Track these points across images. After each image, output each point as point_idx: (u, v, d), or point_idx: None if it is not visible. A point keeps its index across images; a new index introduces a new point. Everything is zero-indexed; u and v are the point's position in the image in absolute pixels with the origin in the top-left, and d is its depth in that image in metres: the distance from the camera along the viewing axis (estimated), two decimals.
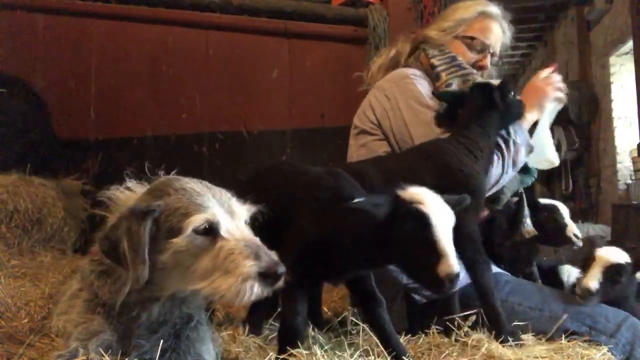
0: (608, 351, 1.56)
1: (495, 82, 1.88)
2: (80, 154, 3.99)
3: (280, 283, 1.15)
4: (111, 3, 4.10)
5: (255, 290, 1.11)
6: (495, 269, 1.97)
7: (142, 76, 4.02)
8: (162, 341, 1.23)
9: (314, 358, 1.36)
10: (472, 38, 2.19)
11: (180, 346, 1.26)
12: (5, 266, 2.72)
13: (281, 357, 1.39)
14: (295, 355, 1.36)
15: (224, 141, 3.88)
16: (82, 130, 4.01)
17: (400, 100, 2.02)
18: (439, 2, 3.68)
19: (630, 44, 5.93)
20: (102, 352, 1.18)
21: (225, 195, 1.26)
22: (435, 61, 2.12)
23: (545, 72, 2.11)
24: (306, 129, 3.80)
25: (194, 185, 1.22)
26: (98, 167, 3.94)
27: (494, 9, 2.22)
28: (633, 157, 6.05)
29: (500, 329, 1.55)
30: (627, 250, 1.96)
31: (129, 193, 1.29)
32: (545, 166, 2.20)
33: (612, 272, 1.78)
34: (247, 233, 1.21)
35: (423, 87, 2.04)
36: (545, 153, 2.12)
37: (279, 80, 3.86)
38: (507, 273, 1.98)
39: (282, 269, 1.14)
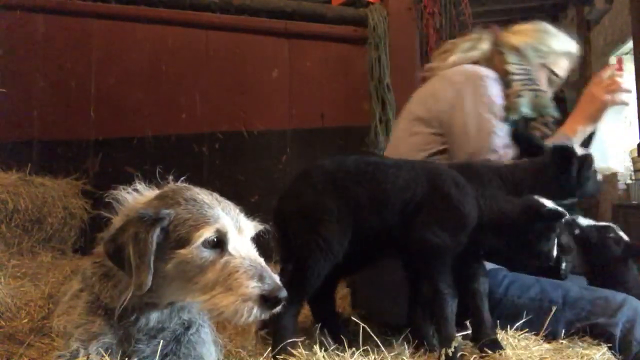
0: (608, 350, 1.57)
1: (579, 151, 1.76)
2: (80, 154, 3.99)
3: (279, 308, 1.14)
4: (111, 3, 4.10)
5: (254, 313, 1.11)
6: (492, 265, 1.96)
7: (142, 76, 4.01)
8: (163, 346, 1.23)
9: (314, 358, 1.36)
10: (557, 75, 2.14)
11: (180, 349, 1.26)
12: (5, 266, 2.72)
13: (281, 357, 1.39)
14: (295, 355, 1.36)
15: (224, 141, 3.87)
16: (82, 130, 4.01)
17: (470, 101, 1.92)
18: (439, 2, 3.68)
19: (630, 44, 5.93)
20: (103, 353, 1.18)
21: (234, 210, 1.25)
22: (512, 68, 2.04)
23: (606, 74, 1.99)
24: (306, 129, 3.80)
25: (204, 196, 1.22)
26: (98, 167, 3.94)
27: (578, 52, 2.19)
28: (633, 157, 6.04)
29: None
30: None
31: (137, 196, 1.28)
32: (605, 172, 2.01)
33: None
34: (253, 251, 1.21)
35: (496, 93, 1.95)
36: (605, 160, 1.95)
37: (279, 80, 3.86)
38: (503, 268, 1.97)
39: (283, 293, 1.13)
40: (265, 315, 1.13)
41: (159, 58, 4.00)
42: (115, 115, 4.02)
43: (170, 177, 1.33)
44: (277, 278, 1.15)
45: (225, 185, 3.50)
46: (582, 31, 7.70)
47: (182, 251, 1.14)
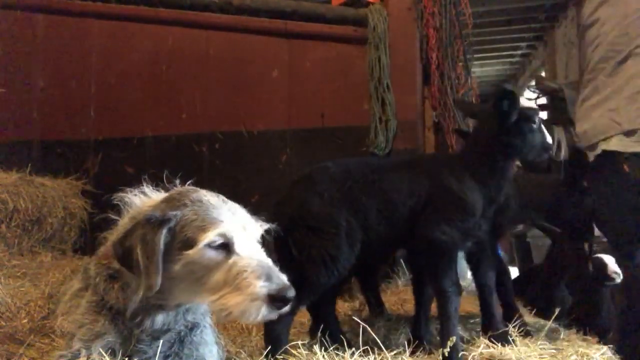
0: (608, 350, 1.57)
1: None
2: (80, 154, 3.99)
3: (287, 308, 1.15)
4: (111, 3, 4.10)
5: (263, 312, 1.11)
6: None
7: (142, 76, 4.02)
8: (166, 347, 1.23)
9: (314, 358, 1.36)
10: None
11: (183, 350, 1.26)
12: (5, 266, 2.72)
13: (281, 357, 1.39)
14: (295, 355, 1.36)
15: (224, 141, 3.87)
16: (82, 130, 4.01)
17: None
18: (439, 2, 3.67)
19: None
20: (104, 354, 1.18)
21: (240, 210, 1.26)
22: None
23: None
24: (306, 129, 3.79)
25: (210, 198, 1.23)
26: (98, 167, 3.94)
27: None
28: None
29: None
30: None
31: (144, 198, 1.29)
32: None
33: None
34: (260, 251, 1.22)
35: None
36: None
37: (279, 80, 3.86)
38: None
39: (291, 292, 1.14)
40: (273, 315, 1.14)
41: (159, 58, 4.00)
42: (115, 115, 4.02)
43: (177, 180, 1.34)
44: (284, 277, 1.16)
45: (225, 185, 3.47)
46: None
47: (189, 252, 1.15)
